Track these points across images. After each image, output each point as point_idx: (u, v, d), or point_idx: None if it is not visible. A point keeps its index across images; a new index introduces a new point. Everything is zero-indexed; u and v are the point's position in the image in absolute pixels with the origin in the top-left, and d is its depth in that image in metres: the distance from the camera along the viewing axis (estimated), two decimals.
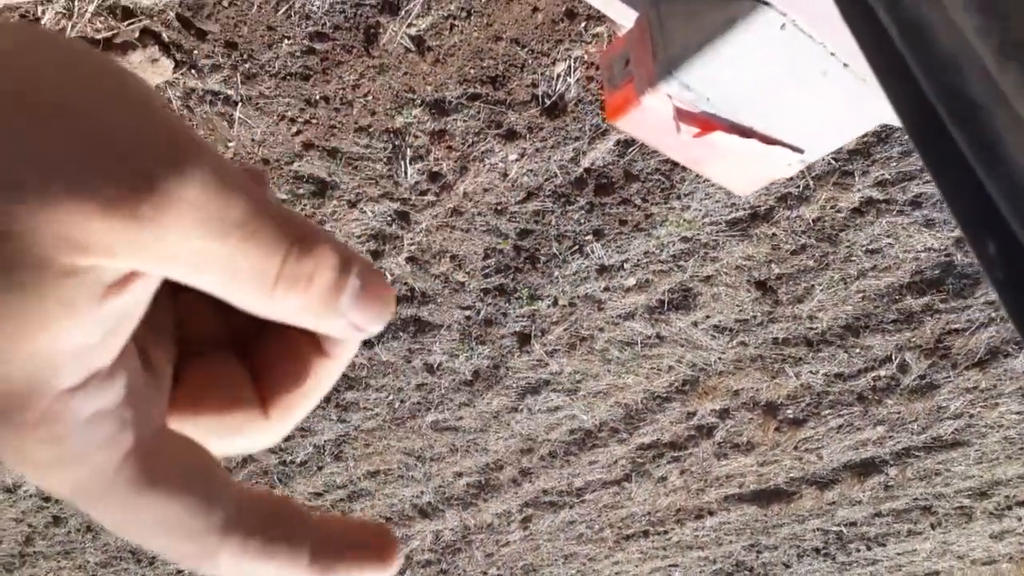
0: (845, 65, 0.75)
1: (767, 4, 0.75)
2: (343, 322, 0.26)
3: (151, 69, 1.79)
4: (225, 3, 1.66)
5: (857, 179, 2.23)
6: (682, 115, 0.84)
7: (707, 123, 0.85)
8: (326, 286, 0.25)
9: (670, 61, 0.79)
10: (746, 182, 0.92)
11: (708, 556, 4.51)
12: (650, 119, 0.83)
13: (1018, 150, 0.20)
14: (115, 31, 1.72)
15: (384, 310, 0.27)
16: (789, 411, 3.22)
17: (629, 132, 0.87)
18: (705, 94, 0.80)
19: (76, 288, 0.21)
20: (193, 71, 1.81)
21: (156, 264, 0.23)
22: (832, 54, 0.74)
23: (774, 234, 2.37)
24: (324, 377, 0.30)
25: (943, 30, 0.25)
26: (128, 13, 1.69)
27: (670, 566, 4.59)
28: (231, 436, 0.29)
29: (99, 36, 1.75)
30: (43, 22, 1.73)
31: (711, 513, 4.01)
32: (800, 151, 0.86)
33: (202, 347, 0.30)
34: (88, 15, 1.70)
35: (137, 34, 1.72)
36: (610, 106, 0.87)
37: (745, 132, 0.88)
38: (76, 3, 1.69)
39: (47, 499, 3.68)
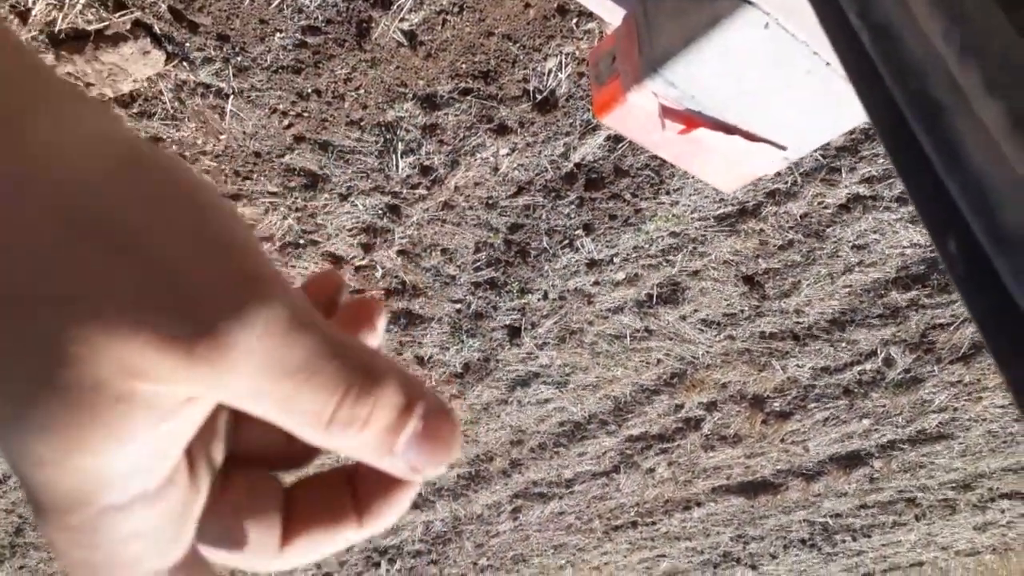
0: (828, 64, 0.77)
1: (751, 3, 0.76)
2: (400, 463, 0.26)
3: (142, 61, 1.79)
4: None
5: (844, 175, 2.25)
6: (667, 112, 0.85)
7: (691, 120, 0.86)
8: (383, 427, 0.25)
9: (655, 58, 0.80)
10: (731, 179, 0.93)
11: (696, 547, 4.55)
12: (636, 116, 0.85)
13: (976, 150, 0.22)
14: (106, 23, 1.72)
15: (445, 452, 0.26)
16: (776, 404, 3.26)
17: (615, 128, 0.89)
18: (690, 92, 0.82)
19: (130, 413, 0.22)
20: (185, 63, 1.81)
21: (213, 395, 0.23)
22: (815, 53, 0.76)
23: (762, 229, 2.40)
24: (413, 488, 0.30)
25: (911, 35, 0.26)
26: (120, 5, 1.69)
27: (658, 556, 4.63)
28: (329, 546, 0.30)
29: (90, 28, 1.75)
30: (34, 13, 1.73)
31: (699, 504, 4.04)
32: (783, 148, 0.87)
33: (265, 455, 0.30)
34: (79, 6, 1.70)
35: (128, 26, 1.72)
36: (597, 102, 0.89)
37: (729, 129, 0.89)
38: None
39: None
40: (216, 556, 0.29)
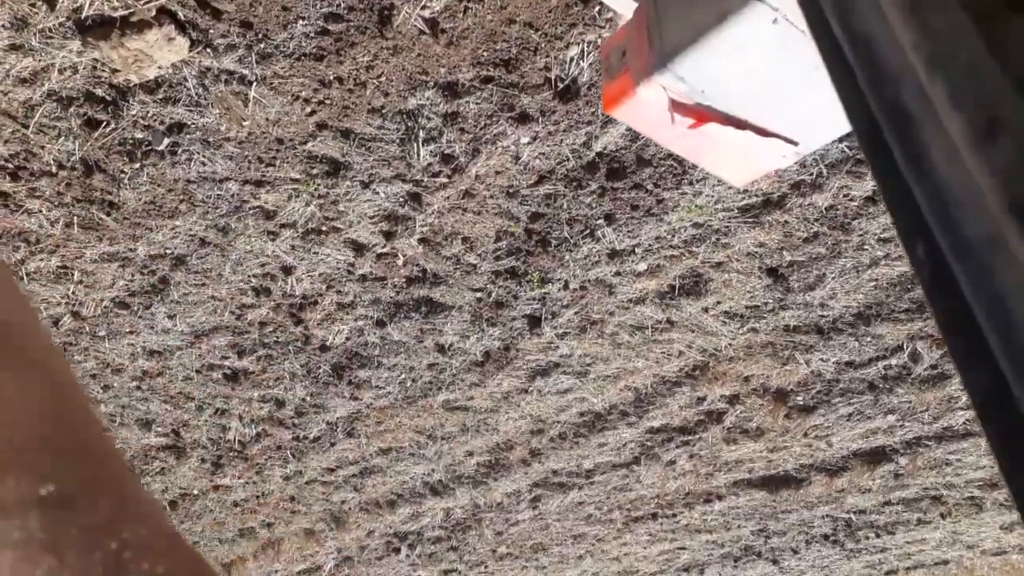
0: None
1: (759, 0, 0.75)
2: None
3: (167, 48, 1.81)
4: None
5: (859, 148, 2.21)
6: (676, 106, 0.84)
7: (701, 114, 0.85)
8: None
9: (665, 53, 0.79)
10: (742, 173, 0.92)
11: (716, 540, 4.53)
12: (645, 110, 0.84)
13: (941, 160, 0.21)
14: (131, 10, 1.74)
15: None
16: (799, 398, 3.22)
17: (625, 122, 0.88)
18: (699, 86, 0.80)
19: None
20: (208, 50, 1.83)
21: None
22: None
23: (786, 221, 2.36)
24: None
25: (888, 45, 0.26)
26: None
27: (678, 548, 4.61)
28: None
29: (115, 14, 1.77)
30: (60, 0, 1.75)
31: (720, 497, 4.02)
32: (795, 143, 0.86)
33: None
34: None
35: (153, 13, 1.74)
36: (607, 96, 0.88)
37: (739, 124, 0.88)
38: None
39: None
40: None
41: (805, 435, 3.51)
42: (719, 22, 0.75)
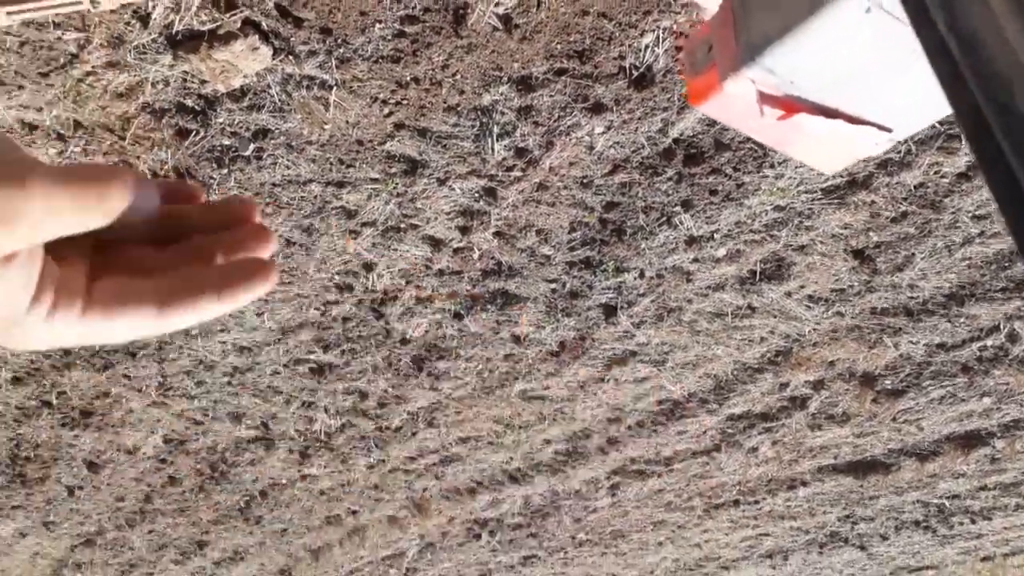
0: None
1: None
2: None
3: (251, 57, 1.87)
4: None
5: (963, 142, 2.11)
6: (765, 98, 0.83)
7: (791, 106, 0.84)
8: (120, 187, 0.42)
9: (753, 46, 0.78)
10: (832, 161, 0.91)
11: (800, 526, 4.45)
12: (733, 103, 0.83)
13: None
14: (219, 23, 1.81)
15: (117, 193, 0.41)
16: (887, 382, 3.12)
17: (712, 116, 0.87)
18: (789, 77, 0.79)
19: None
20: (291, 57, 1.88)
21: (31, 218, 0.38)
22: None
23: (873, 201, 2.29)
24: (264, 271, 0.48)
25: (996, 45, 0.26)
26: (230, 4, 1.77)
27: (761, 535, 4.55)
28: (195, 315, 0.46)
29: (204, 28, 1.84)
30: (153, 17, 1.83)
31: (804, 484, 3.94)
32: (888, 130, 0.84)
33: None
34: (194, 8, 1.79)
35: (239, 24, 1.80)
36: (693, 90, 0.87)
37: (830, 113, 0.86)
38: None
39: (163, 460, 3.96)
40: (115, 322, 0.44)
41: (894, 419, 3.40)
42: (810, 14, 0.73)
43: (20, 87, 2.00)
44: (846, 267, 2.53)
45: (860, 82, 0.83)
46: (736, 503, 4.14)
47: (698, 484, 3.96)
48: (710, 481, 3.93)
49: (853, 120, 0.87)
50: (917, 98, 0.84)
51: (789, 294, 2.64)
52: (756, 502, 4.12)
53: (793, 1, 0.78)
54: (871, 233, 2.40)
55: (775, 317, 2.75)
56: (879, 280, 2.58)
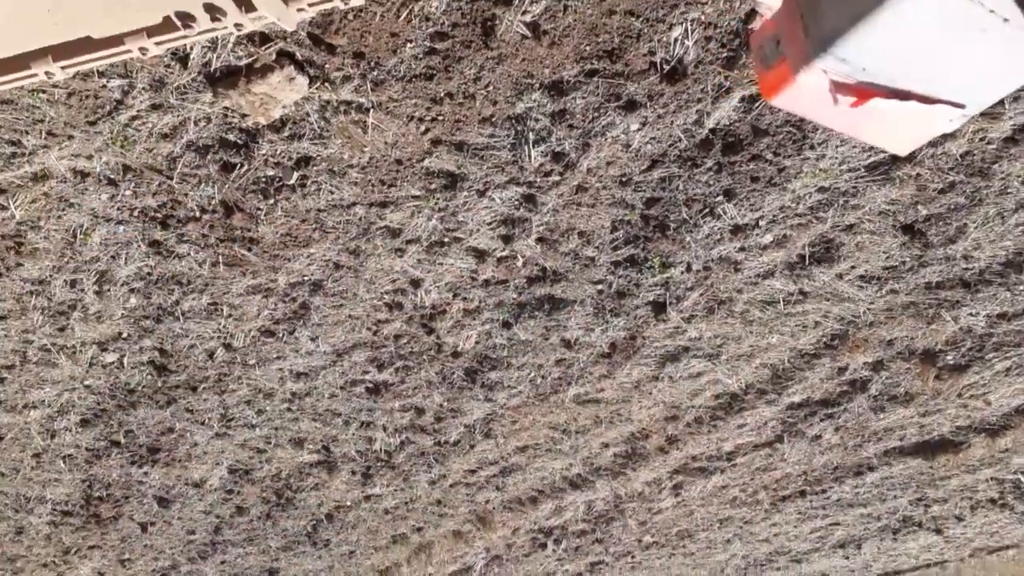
0: (1005, 20, 0.74)
1: None
2: None
3: (289, 87, 1.93)
4: (350, 16, 1.76)
5: (1007, 106, 2.07)
6: (839, 87, 0.85)
7: (864, 92, 0.85)
8: None
9: (824, 38, 0.80)
10: (907, 141, 0.91)
11: (871, 512, 4.35)
12: (806, 94, 0.85)
13: None
14: (255, 56, 1.86)
15: None
16: (949, 357, 3.04)
17: (785, 108, 0.89)
18: (861, 65, 0.81)
19: None
20: (326, 84, 1.93)
21: None
22: (991, 11, 0.73)
23: (918, 174, 2.25)
24: None
25: None
26: (265, 38, 1.82)
27: (831, 525, 4.45)
28: None
29: (241, 63, 1.89)
30: (192, 57, 1.90)
31: (871, 468, 3.86)
32: (961, 106, 0.84)
33: None
34: (230, 45, 1.84)
35: (274, 56, 1.85)
36: (765, 84, 0.89)
37: (904, 95, 0.87)
38: (218, 37, 1.84)
39: (230, 491, 4.04)
40: None
41: (959, 396, 3.32)
42: (880, 3, 0.75)
43: (70, 137, 2.09)
44: (896, 243, 2.49)
45: (930, 62, 0.84)
46: (803, 494, 4.07)
47: (762, 477, 3.91)
48: (774, 473, 3.87)
49: (926, 100, 0.88)
50: (987, 73, 0.84)
51: (840, 276, 2.60)
52: (823, 491, 4.04)
53: None
54: (919, 207, 2.36)
55: (828, 300, 2.71)
56: (932, 254, 2.53)
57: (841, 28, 0.78)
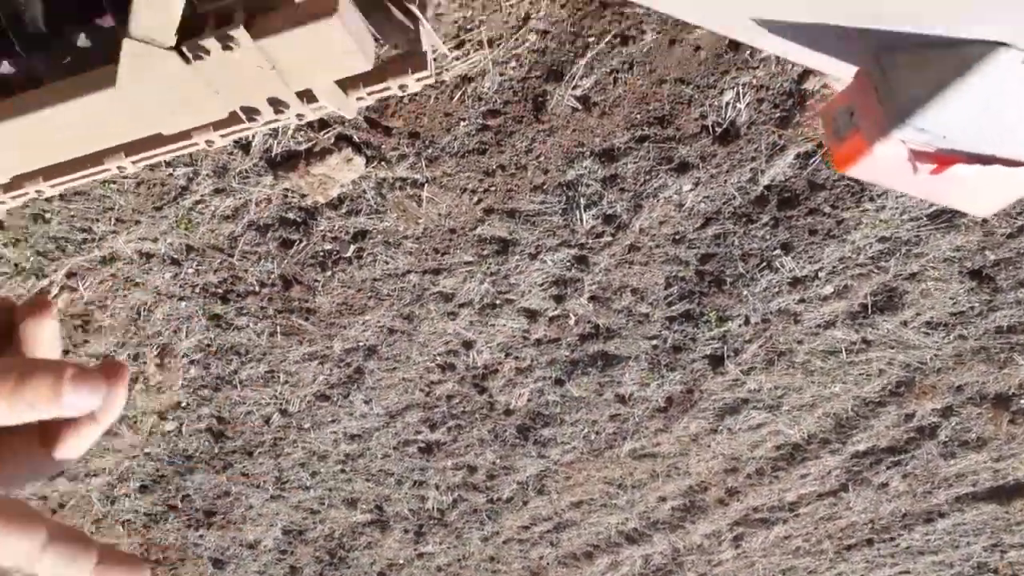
0: None
1: (1006, 45, 0.72)
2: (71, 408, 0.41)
3: (346, 168, 1.96)
4: (406, 100, 1.79)
5: None
6: (918, 155, 0.82)
7: (945, 159, 0.83)
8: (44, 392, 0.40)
9: (902, 109, 0.78)
10: (990, 203, 0.89)
11: (943, 560, 4.17)
12: (882, 164, 0.83)
13: None
14: (314, 141, 1.90)
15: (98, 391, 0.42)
16: (1023, 401, 2.93)
17: (861, 177, 0.87)
18: (941, 133, 0.78)
19: None
20: (383, 163, 1.95)
21: None
22: None
23: (985, 220, 2.19)
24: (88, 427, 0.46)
25: None
26: (323, 124, 1.86)
27: (901, 573, 4.28)
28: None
29: (300, 148, 1.93)
30: (253, 144, 1.94)
31: (942, 515, 3.71)
32: None
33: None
34: (290, 132, 1.89)
35: (333, 140, 1.89)
36: (838, 157, 0.87)
37: (986, 160, 0.85)
38: (280, 127, 1.88)
39: (284, 551, 4.04)
40: None
41: None
42: (960, 73, 0.73)
43: (137, 222, 2.14)
44: (963, 289, 2.42)
45: (1013, 126, 0.81)
46: (870, 542, 3.92)
47: (827, 526, 3.78)
48: (839, 522, 3.74)
49: (1010, 163, 0.85)
50: None
51: (905, 323, 2.53)
52: (892, 539, 3.89)
53: (938, 63, 0.77)
54: (987, 252, 2.29)
55: (892, 348, 2.63)
56: (1001, 298, 2.45)
57: (920, 98, 0.76)
